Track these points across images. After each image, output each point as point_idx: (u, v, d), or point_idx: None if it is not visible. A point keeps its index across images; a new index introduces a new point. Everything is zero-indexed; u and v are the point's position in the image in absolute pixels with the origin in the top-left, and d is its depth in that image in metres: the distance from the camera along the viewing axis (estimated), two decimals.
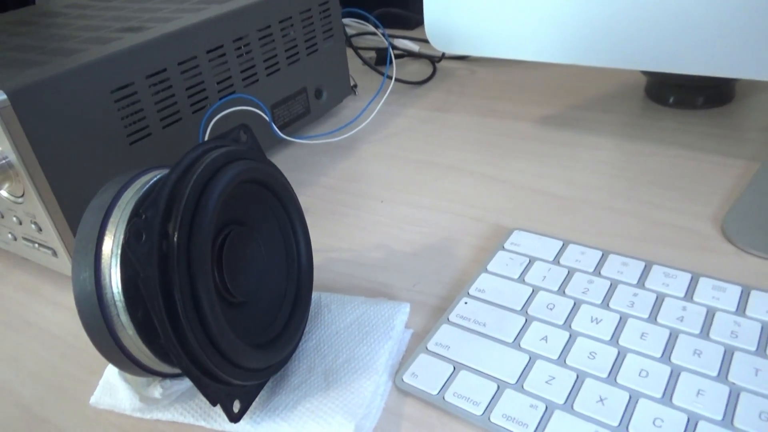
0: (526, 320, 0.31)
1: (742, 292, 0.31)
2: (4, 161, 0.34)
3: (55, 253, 0.38)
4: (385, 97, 0.62)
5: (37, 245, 0.38)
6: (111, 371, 0.31)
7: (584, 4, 0.39)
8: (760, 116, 0.49)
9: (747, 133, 0.47)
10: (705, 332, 0.29)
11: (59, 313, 0.38)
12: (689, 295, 0.31)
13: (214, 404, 0.25)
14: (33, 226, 0.37)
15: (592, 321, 0.30)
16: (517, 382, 0.28)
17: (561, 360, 0.28)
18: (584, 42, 0.40)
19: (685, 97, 0.51)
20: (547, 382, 0.27)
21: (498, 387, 0.28)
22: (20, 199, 0.36)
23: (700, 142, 0.46)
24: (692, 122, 0.49)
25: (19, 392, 0.32)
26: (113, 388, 0.30)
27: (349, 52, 0.74)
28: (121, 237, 0.25)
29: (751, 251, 0.34)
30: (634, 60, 0.39)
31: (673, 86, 0.52)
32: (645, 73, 0.53)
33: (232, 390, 0.26)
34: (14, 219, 0.38)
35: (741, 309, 0.30)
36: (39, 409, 0.31)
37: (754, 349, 0.27)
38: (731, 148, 0.45)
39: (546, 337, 0.30)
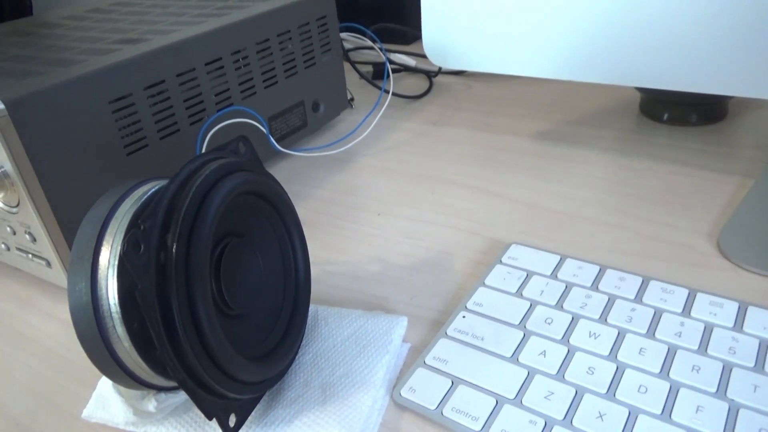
0: (524, 335, 0.31)
1: (739, 308, 0.31)
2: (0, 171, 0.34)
3: (48, 264, 0.37)
4: (381, 111, 0.62)
5: (30, 256, 0.38)
6: (104, 384, 0.30)
7: (580, 21, 0.39)
8: (752, 134, 0.49)
9: (740, 150, 0.47)
10: (703, 348, 0.29)
11: (52, 324, 0.37)
12: (687, 310, 0.31)
13: (209, 418, 0.25)
14: (27, 236, 0.37)
15: (590, 336, 0.30)
16: (515, 397, 0.28)
17: (560, 375, 0.28)
18: (580, 58, 0.40)
19: (679, 114, 0.52)
20: (546, 397, 0.27)
21: (497, 402, 0.27)
22: (15, 209, 0.36)
23: (695, 159, 0.46)
24: (686, 139, 0.50)
25: (10, 405, 0.32)
26: (106, 401, 0.29)
27: (347, 66, 0.75)
28: (119, 248, 0.24)
29: (748, 267, 0.34)
30: (628, 77, 0.39)
31: (667, 103, 0.52)
32: (639, 89, 0.54)
33: (228, 404, 0.26)
34: (8, 229, 0.38)
35: (738, 325, 0.30)
36: (30, 422, 0.31)
37: (752, 365, 0.27)
38: (725, 165, 0.45)
39: (544, 351, 0.30)
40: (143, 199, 0.26)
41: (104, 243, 0.25)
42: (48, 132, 0.34)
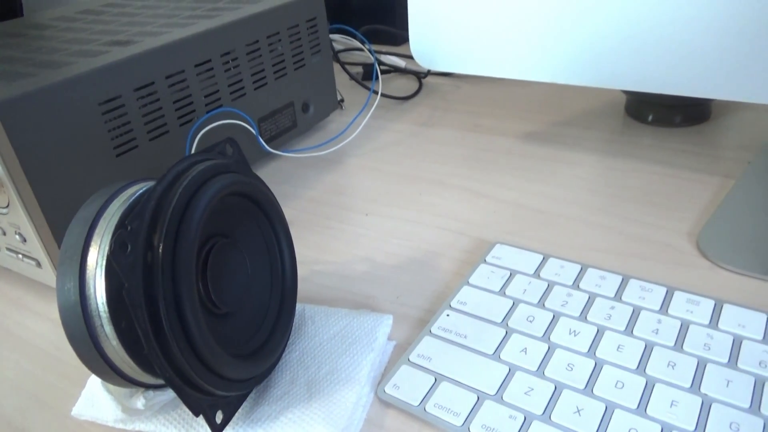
0: (506, 332, 0.31)
1: (715, 305, 0.31)
2: None
3: (39, 264, 0.38)
4: (371, 111, 0.62)
5: (21, 256, 0.38)
6: (93, 382, 0.31)
7: (567, 25, 0.40)
8: (735, 135, 0.50)
9: (722, 151, 0.48)
10: (679, 345, 0.30)
11: (42, 323, 0.38)
12: (664, 308, 0.32)
13: (196, 415, 0.25)
14: (17, 236, 0.37)
15: (570, 333, 0.31)
16: (496, 393, 0.28)
17: (540, 371, 0.29)
18: (567, 62, 0.41)
19: (664, 115, 0.53)
20: (526, 393, 0.28)
21: (478, 398, 0.28)
22: (5, 210, 0.36)
23: (678, 160, 0.47)
24: (670, 140, 0.50)
25: (0, 403, 0.32)
26: (95, 399, 0.30)
27: (336, 67, 0.75)
28: (107, 248, 0.25)
29: (725, 266, 0.35)
30: (614, 80, 0.40)
31: (652, 105, 0.53)
32: (625, 92, 0.54)
33: (215, 401, 0.26)
34: None
35: (714, 322, 0.31)
36: (20, 420, 0.31)
37: (725, 361, 0.28)
38: (707, 166, 0.46)
39: (525, 349, 0.30)
40: (131, 200, 0.27)
41: (92, 243, 0.25)
42: (38, 133, 0.35)
